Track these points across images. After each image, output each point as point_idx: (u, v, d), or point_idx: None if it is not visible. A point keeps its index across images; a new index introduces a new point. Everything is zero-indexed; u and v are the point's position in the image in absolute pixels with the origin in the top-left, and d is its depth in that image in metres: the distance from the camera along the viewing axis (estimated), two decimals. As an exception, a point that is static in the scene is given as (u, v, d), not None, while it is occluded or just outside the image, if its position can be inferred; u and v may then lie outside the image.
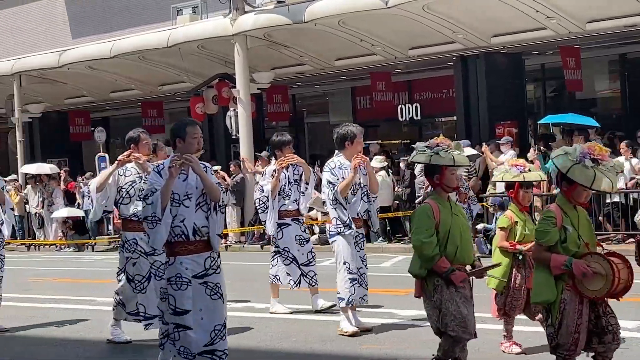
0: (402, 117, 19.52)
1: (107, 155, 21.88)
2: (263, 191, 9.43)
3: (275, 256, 9.43)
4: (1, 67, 23.05)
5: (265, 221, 9.59)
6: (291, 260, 9.31)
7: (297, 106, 24.00)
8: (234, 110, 19.13)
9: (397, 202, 17.14)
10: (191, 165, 5.95)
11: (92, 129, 24.48)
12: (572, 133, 15.36)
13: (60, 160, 24.54)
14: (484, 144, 16.42)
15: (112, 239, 21.14)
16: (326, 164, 8.40)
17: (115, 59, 20.66)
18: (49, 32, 26.45)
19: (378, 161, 16.35)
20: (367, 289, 8.29)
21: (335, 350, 7.63)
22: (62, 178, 21.80)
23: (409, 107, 19.37)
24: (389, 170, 17.23)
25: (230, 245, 18.58)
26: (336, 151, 8.40)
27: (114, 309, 8.26)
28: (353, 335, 7.97)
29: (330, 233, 8.33)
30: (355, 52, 18.97)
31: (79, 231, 20.80)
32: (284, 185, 9.35)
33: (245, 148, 18.95)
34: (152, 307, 7.77)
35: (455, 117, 19.78)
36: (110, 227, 21.39)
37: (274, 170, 9.39)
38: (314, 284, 9.30)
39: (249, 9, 18.27)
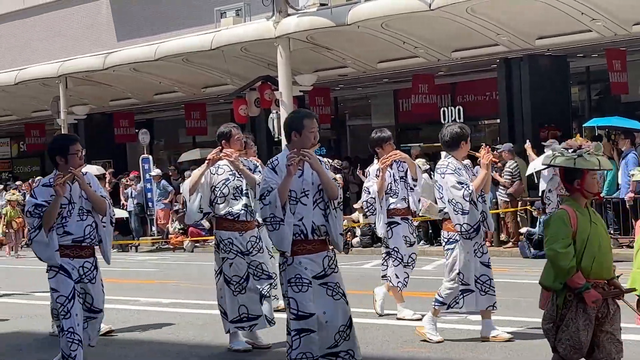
0: (444, 119, 19.39)
1: (150, 157, 22.10)
2: (370, 193, 8.98)
3: (387, 257, 9.05)
4: (47, 70, 23.33)
5: (374, 223, 9.25)
6: (399, 260, 8.94)
7: (339, 108, 24.01)
8: (276, 112, 19.18)
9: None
10: (310, 162, 5.75)
11: (136, 130, 24.71)
12: (617, 136, 15.19)
13: (104, 162, 24.82)
14: (527, 140, 16.23)
15: (155, 239, 21.35)
16: (438, 166, 7.83)
17: (159, 61, 20.82)
18: (95, 35, 26.77)
19: (420, 164, 16.28)
20: (494, 295, 7.71)
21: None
22: (107, 179, 22.01)
23: (451, 110, 19.26)
24: (431, 174, 17.16)
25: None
26: (444, 153, 7.93)
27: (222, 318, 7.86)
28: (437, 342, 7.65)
29: (450, 240, 7.75)
30: (398, 54, 18.93)
31: (122, 232, 21.02)
32: (390, 183, 8.93)
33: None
34: (254, 307, 7.65)
35: (498, 120, 19.64)
36: (154, 228, 21.60)
37: (378, 169, 8.94)
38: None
39: (292, 12, 18.31)
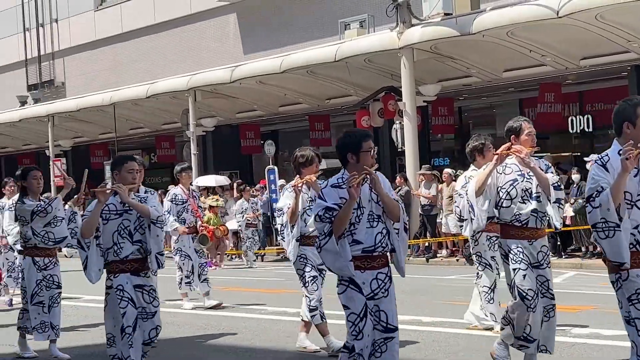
0: (572, 128, 19.00)
1: (276, 168, 22.42)
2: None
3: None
4: (177, 83, 24.02)
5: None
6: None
7: (463, 118, 23.79)
8: (400, 123, 19.18)
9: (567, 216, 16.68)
10: None
11: (262, 142, 25.14)
12: None
13: (231, 173, 25.36)
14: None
15: (280, 249, 21.62)
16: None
17: (284, 73, 21.16)
18: (222, 48, 27.46)
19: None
20: None
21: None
22: (237, 189, 22.36)
23: (580, 119, 18.83)
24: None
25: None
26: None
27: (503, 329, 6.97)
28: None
29: None
30: (524, 63, 18.62)
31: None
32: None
33: (410, 161, 18.97)
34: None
35: (629, 129, 19.02)
36: (279, 238, 21.84)
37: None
38: None
39: (415, 22, 18.29)
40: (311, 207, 7.91)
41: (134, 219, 6.61)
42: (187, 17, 28.61)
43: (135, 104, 25.81)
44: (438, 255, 18.43)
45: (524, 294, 6.63)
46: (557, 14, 15.72)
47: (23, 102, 32.76)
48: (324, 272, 8.23)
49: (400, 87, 18.92)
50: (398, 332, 5.71)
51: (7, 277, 13.09)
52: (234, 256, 21.64)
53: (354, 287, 5.59)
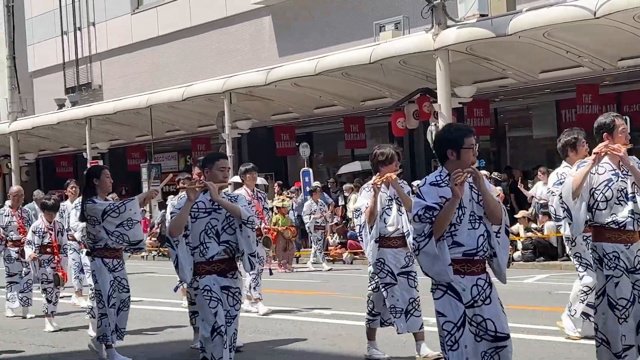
0: (610, 130, 18.76)
1: (311, 170, 22.46)
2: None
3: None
4: (213, 86, 24.14)
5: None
6: None
7: (499, 120, 23.66)
8: (435, 124, 19.11)
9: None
10: None
11: (297, 144, 25.21)
12: None
13: (266, 175, 25.45)
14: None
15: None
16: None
17: (319, 76, 21.18)
18: (257, 51, 27.56)
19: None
20: None
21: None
22: (275, 191, 22.44)
23: (617, 120, 18.58)
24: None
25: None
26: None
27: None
28: None
29: None
30: (561, 64, 18.48)
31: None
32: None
33: (446, 162, 18.87)
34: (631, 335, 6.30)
35: (668, 130, 18.82)
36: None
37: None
38: None
39: (451, 24, 18.23)
40: (391, 206, 7.77)
41: (222, 219, 6.38)
42: (222, 19, 28.76)
43: (171, 106, 25.99)
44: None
45: (614, 304, 6.26)
46: (594, 15, 15.58)
47: (61, 105, 33.12)
48: (412, 274, 7.80)
49: (436, 89, 18.86)
50: (510, 340, 5.29)
51: (75, 277, 12.99)
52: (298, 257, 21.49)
53: (453, 294, 5.24)
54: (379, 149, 7.94)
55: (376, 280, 7.87)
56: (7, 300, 12.52)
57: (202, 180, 6.53)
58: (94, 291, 9.29)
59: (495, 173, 19.58)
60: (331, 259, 20.68)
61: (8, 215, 12.58)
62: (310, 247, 20.72)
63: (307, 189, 21.96)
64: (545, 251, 17.58)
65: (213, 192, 6.31)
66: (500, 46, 18.01)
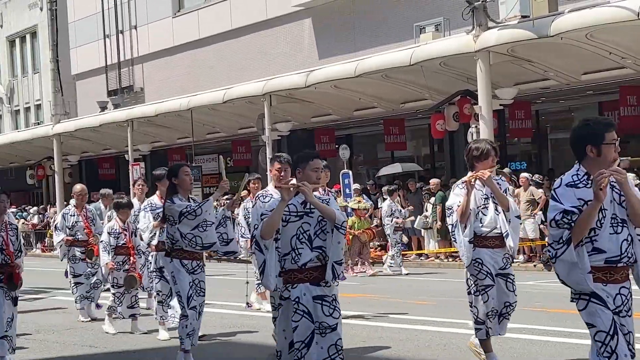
0: (654, 132, 18.52)
1: (350, 172, 22.45)
2: None
3: None
4: (253, 88, 24.25)
5: None
6: None
7: (540, 122, 23.46)
8: (476, 126, 19.01)
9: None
10: None
11: (336, 146, 25.21)
12: None
13: (305, 177, 25.45)
14: None
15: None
16: None
17: (359, 78, 21.17)
18: (297, 53, 27.64)
19: (631, 178, 15.64)
20: None
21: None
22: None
23: (662, 122, 18.35)
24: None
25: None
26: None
27: None
28: None
29: None
30: (604, 65, 18.27)
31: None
32: None
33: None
34: None
35: None
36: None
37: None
38: None
39: (492, 25, 18.12)
40: (487, 205, 7.32)
41: (315, 223, 5.87)
42: (263, 22, 28.88)
43: (212, 108, 26.15)
44: (515, 260, 18.18)
45: None
46: (638, 15, 15.37)
47: (103, 108, 33.52)
48: (511, 276, 7.44)
49: (476, 91, 18.75)
50: None
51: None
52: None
53: (598, 301, 4.79)
54: (474, 144, 7.50)
55: (475, 283, 7.41)
56: (75, 302, 12.11)
57: (294, 180, 6.07)
58: (159, 294, 9.27)
59: (537, 175, 19.41)
60: (371, 261, 20.61)
61: (74, 215, 12.15)
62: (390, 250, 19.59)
63: (347, 190, 21.95)
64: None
65: (308, 194, 5.80)
66: (542, 47, 17.85)
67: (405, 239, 19.94)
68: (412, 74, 20.42)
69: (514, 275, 7.47)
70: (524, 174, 18.84)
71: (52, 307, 13.91)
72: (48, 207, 33.58)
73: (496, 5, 18.28)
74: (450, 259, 19.64)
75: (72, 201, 12.48)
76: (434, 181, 20.93)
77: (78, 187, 12.49)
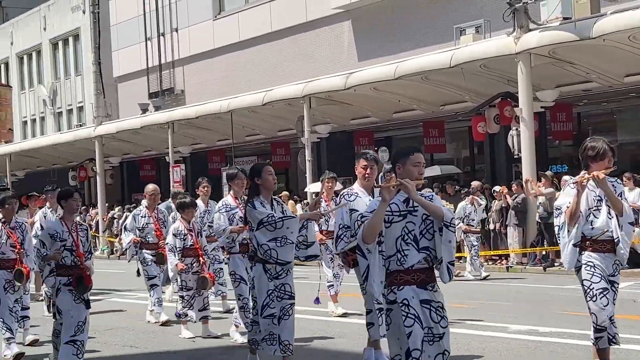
0: (698, 135, 18.27)
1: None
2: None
3: None
4: (293, 90, 24.31)
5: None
6: None
7: (582, 124, 23.24)
8: (516, 129, 18.88)
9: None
10: None
11: (375, 148, 25.15)
12: None
13: (344, 179, 25.46)
14: None
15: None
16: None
17: (398, 80, 21.13)
18: (337, 55, 27.66)
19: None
20: None
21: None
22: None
23: None
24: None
25: (511, 267, 18.39)
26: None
27: None
28: None
29: None
30: (647, 67, 18.08)
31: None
32: None
33: (527, 168, 18.64)
34: None
35: None
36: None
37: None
38: None
39: (533, 27, 17.99)
40: (599, 208, 6.91)
41: (419, 222, 5.49)
42: (302, 24, 28.94)
43: (251, 111, 26.26)
44: (555, 264, 18.04)
45: None
46: (683, 17, 15.20)
47: (144, 110, 33.82)
48: (616, 284, 6.98)
49: (517, 93, 18.63)
50: None
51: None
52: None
53: None
54: (590, 142, 7.13)
55: (590, 287, 6.91)
56: (153, 305, 11.62)
57: (396, 178, 5.58)
58: (240, 299, 9.10)
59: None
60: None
61: (145, 217, 11.62)
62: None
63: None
64: (630, 258, 17.13)
65: (412, 191, 5.39)
66: (583, 49, 17.69)
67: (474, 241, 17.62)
68: (452, 76, 20.33)
69: (618, 284, 7.05)
70: (565, 177, 18.58)
71: (110, 309, 13.48)
72: (90, 208, 33.94)
73: (537, 7, 18.16)
74: (490, 262, 19.52)
75: (144, 202, 11.96)
76: (475, 183, 20.76)
77: (150, 187, 11.88)
